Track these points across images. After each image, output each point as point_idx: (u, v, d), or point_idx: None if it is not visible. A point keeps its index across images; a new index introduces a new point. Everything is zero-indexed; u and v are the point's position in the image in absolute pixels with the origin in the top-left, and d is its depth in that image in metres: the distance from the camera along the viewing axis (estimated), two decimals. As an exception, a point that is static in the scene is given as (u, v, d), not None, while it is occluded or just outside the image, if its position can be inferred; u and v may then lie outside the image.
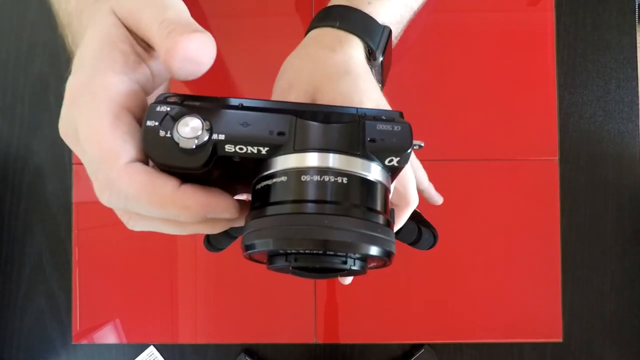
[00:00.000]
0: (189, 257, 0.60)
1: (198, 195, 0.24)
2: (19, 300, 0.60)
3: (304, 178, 0.23)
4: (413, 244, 0.42)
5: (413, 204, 0.36)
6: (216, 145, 0.23)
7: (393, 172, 0.26)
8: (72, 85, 0.24)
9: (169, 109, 0.23)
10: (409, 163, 0.27)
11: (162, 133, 0.23)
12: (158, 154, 0.23)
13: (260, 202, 0.25)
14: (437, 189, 0.60)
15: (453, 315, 0.60)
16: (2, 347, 0.60)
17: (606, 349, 0.60)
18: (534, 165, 0.60)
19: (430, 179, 0.60)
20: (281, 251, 0.24)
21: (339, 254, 0.24)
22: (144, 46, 0.26)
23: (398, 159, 0.24)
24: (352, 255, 0.24)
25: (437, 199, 0.53)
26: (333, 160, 0.24)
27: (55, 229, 0.60)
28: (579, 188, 0.60)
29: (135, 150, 0.23)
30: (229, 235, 0.41)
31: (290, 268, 0.25)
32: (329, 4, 0.39)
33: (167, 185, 0.23)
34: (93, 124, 0.23)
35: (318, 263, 0.24)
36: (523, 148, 0.60)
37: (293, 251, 0.24)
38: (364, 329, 0.60)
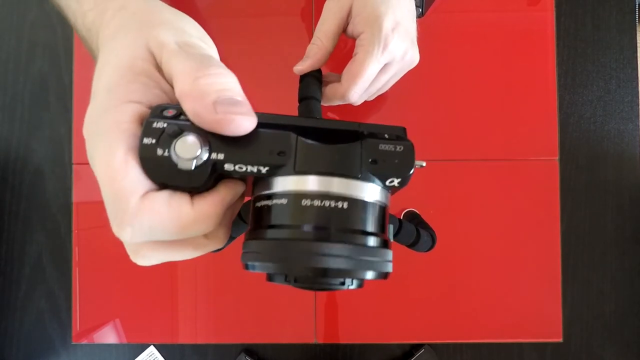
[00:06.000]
0: (189, 257, 0.60)
1: (212, 204, 0.24)
2: (19, 300, 0.60)
3: (304, 202, 0.23)
4: (411, 246, 0.42)
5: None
6: (215, 164, 0.23)
7: (393, 191, 0.25)
8: (87, 118, 0.24)
9: (165, 125, 0.23)
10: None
11: (159, 152, 0.22)
12: (157, 174, 0.23)
13: (260, 222, 0.24)
14: (438, 189, 0.60)
15: (453, 315, 0.60)
16: (2, 347, 0.60)
17: (606, 349, 0.60)
18: (534, 165, 0.60)
19: (431, 178, 0.60)
20: (281, 274, 0.24)
21: (337, 279, 0.23)
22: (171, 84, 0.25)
23: (399, 180, 0.24)
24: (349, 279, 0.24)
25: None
26: (333, 184, 0.23)
27: (55, 229, 0.60)
28: (579, 188, 0.60)
29: (148, 180, 0.23)
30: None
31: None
32: None
33: (185, 205, 0.23)
34: (104, 163, 0.22)
35: (317, 285, 0.24)
36: (523, 148, 0.60)
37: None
38: (364, 329, 0.60)
